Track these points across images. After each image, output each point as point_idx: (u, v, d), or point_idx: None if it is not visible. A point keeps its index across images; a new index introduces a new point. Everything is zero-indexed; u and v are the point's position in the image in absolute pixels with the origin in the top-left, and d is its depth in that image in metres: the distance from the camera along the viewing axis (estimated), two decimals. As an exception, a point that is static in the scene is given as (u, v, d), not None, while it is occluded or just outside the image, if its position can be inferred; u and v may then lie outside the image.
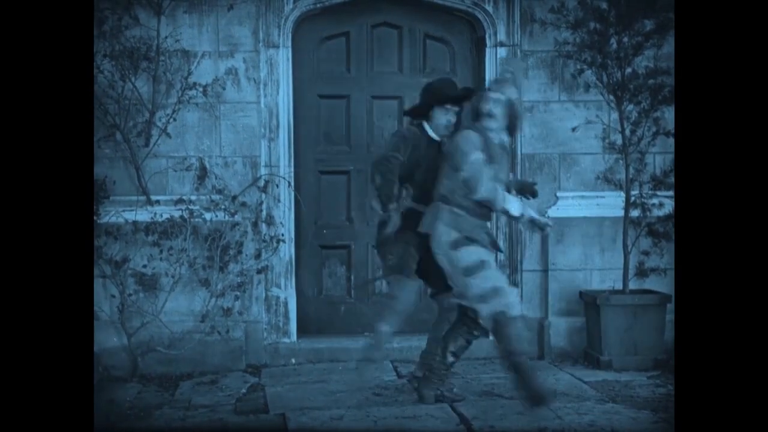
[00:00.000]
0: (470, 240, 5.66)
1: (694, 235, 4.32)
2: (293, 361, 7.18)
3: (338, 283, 7.64)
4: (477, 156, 5.62)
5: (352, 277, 7.61)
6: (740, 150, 4.29)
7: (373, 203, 6.01)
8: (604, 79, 7.04)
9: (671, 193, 6.93)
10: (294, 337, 7.30)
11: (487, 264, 5.66)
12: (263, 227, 7.17)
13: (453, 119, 5.92)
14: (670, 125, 6.88)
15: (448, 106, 5.91)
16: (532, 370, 5.65)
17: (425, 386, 5.92)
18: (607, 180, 7.36)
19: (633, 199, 7.17)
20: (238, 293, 7.08)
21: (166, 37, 7.01)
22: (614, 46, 7.00)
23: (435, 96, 5.94)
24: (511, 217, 5.95)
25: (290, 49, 7.30)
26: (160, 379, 6.84)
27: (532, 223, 5.85)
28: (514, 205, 5.74)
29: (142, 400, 6.29)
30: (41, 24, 4.24)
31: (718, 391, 4.17)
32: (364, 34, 7.54)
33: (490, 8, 7.38)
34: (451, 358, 5.87)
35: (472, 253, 5.65)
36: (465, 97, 5.95)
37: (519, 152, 7.37)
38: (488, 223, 5.94)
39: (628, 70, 7.00)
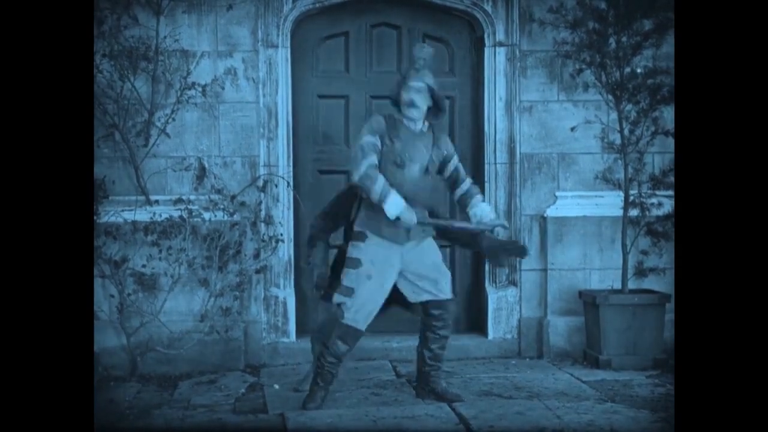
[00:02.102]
0: None
1: (693, 235, 4.32)
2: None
3: (337, 283, 7.63)
4: (366, 139, 5.66)
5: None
6: (740, 150, 4.30)
7: None
8: (603, 78, 7.04)
9: (670, 192, 6.93)
10: (293, 337, 7.29)
11: None
12: (262, 227, 7.17)
13: None
14: (669, 125, 6.88)
15: None
16: None
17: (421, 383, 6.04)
18: (605, 180, 7.37)
19: (632, 198, 7.17)
20: (237, 293, 7.08)
21: (165, 37, 7.01)
22: (613, 45, 7.00)
23: None
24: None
25: (289, 49, 7.30)
26: (159, 378, 6.84)
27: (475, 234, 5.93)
28: (391, 204, 5.56)
29: (141, 400, 6.29)
30: (41, 24, 4.24)
31: (718, 390, 4.17)
32: (363, 34, 7.54)
33: (488, 8, 7.38)
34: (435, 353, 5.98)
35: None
36: None
37: (518, 152, 7.37)
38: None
39: (627, 69, 7.00)
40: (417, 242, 5.81)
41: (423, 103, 5.72)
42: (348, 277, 5.73)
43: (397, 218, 5.57)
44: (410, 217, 5.58)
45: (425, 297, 5.85)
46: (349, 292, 5.70)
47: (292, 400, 6.06)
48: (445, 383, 6.08)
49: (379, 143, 5.67)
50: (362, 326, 5.75)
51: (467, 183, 5.94)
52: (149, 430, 5.66)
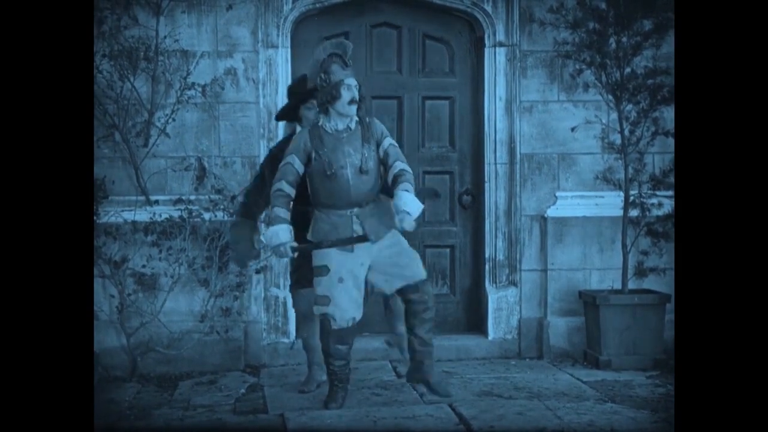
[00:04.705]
0: None
1: (693, 235, 4.32)
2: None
3: (337, 283, 7.62)
4: (285, 160, 5.70)
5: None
6: (740, 149, 4.30)
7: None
8: (603, 79, 7.04)
9: (670, 192, 6.93)
10: (293, 337, 7.29)
11: None
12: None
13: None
14: (669, 125, 6.89)
15: (310, 103, 5.93)
16: None
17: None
18: (606, 180, 7.37)
19: (632, 198, 7.17)
20: (237, 293, 7.08)
21: (165, 37, 7.01)
22: (613, 46, 7.01)
23: (301, 95, 5.99)
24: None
25: (289, 50, 7.30)
26: (159, 379, 6.84)
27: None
28: (266, 234, 5.71)
29: (141, 400, 6.29)
30: (41, 24, 4.24)
31: (718, 391, 4.17)
32: (363, 35, 7.53)
33: (489, 8, 7.38)
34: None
35: None
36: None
37: (518, 152, 7.37)
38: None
39: (627, 70, 7.01)
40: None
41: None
42: (321, 286, 5.71)
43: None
44: (282, 252, 5.62)
45: (398, 284, 5.73)
46: (326, 300, 5.68)
47: (292, 400, 6.06)
48: (441, 375, 6.07)
49: (299, 163, 5.65)
50: (353, 323, 5.73)
51: (397, 167, 5.63)
52: (149, 430, 5.66)
